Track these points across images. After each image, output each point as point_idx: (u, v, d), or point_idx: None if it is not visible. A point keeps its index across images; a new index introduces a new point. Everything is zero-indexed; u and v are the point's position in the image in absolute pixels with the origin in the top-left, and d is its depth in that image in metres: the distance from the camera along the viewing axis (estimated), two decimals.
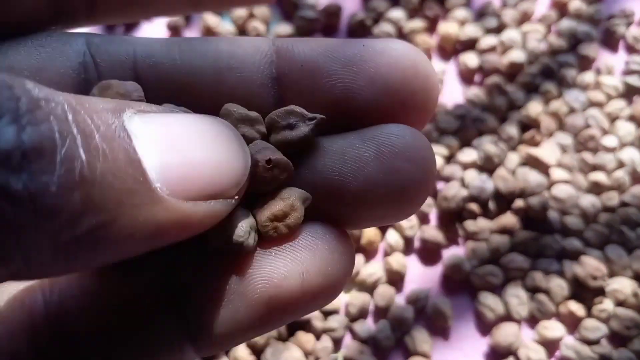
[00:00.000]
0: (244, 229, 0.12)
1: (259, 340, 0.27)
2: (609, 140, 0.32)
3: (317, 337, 0.28)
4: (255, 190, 0.12)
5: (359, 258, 0.30)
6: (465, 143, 0.32)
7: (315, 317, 0.28)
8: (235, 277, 0.12)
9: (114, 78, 0.12)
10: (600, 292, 0.29)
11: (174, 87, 0.13)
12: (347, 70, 0.12)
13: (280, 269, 0.12)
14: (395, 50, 0.12)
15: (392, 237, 0.30)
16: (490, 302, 0.29)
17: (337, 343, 0.28)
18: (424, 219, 0.31)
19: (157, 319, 0.12)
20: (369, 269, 0.29)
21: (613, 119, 0.33)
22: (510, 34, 0.34)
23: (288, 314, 0.12)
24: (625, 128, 0.32)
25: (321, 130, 0.13)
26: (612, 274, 0.29)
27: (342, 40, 0.13)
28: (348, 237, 0.13)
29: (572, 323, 0.29)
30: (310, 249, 0.12)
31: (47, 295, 0.12)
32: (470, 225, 0.30)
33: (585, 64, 0.34)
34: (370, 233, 0.30)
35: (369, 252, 0.30)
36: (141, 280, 0.12)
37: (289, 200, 0.12)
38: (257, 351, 0.28)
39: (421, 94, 0.12)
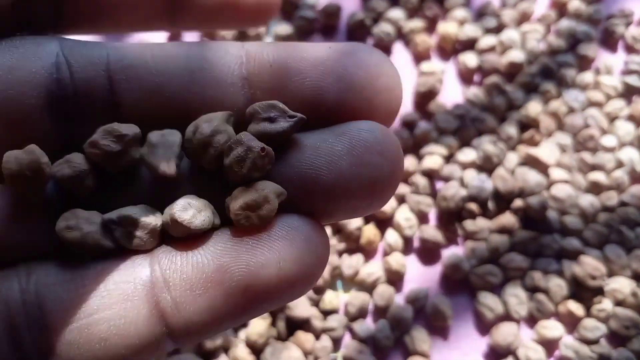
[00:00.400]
0: (183, 207, 0.12)
1: (259, 339, 0.27)
2: (608, 140, 0.32)
3: (317, 336, 0.28)
4: (242, 178, 0.13)
5: (359, 258, 0.30)
6: (465, 143, 0.32)
7: (314, 317, 0.28)
8: (213, 265, 0.12)
9: (87, 79, 0.13)
10: (599, 291, 0.29)
11: (146, 88, 0.13)
12: (315, 69, 0.13)
13: (258, 257, 0.12)
14: (360, 51, 0.13)
15: (392, 236, 0.30)
16: (490, 302, 0.29)
17: (336, 343, 0.28)
18: (423, 219, 0.31)
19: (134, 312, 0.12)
20: (369, 269, 0.29)
21: (612, 118, 0.33)
22: (510, 34, 0.34)
23: (265, 302, 0.12)
24: (625, 128, 0.32)
25: (298, 129, 0.13)
26: (611, 274, 0.30)
27: (309, 44, 0.14)
28: (323, 228, 0.13)
29: (571, 323, 0.29)
30: (286, 239, 0.12)
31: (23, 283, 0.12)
32: (469, 225, 0.30)
33: (585, 64, 0.34)
34: (369, 233, 0.30)
35: (369, 252, 0.30)
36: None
37: (263, 192, 0.12)
38: (257, 351, 0.28)
39: (385, 93, 0.13)
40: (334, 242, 0.30)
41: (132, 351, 0.12)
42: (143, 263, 0.12)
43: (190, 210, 0.12)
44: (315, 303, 0.29)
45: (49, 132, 0.13)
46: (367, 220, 0.30)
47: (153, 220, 0.13)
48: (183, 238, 0.13)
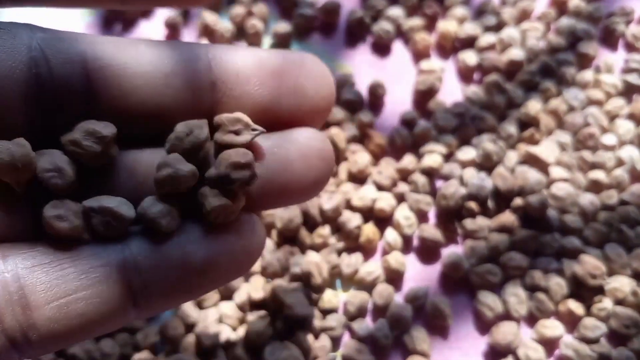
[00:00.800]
0: (160, 211, 0.14)
1: (258, 339, 0.27)
2: (608, 139, 0.32)
3: (316, 336, 0.28)
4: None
5: (358, 257, 0.30)
6: (464, 141, 0.32)
7: (313, 316, 0.28)
8: (180, 253, 0.14)
9: (64, 75, 0.14)
10: (600, 290, 0.29)
11: (123, 89, 0.14)
12: (273, 80, 0.15)
13: (218, 247, 0.14)
14: (309, 63, 0.15)
15: (391, 235, 0.30)
16: (489, 301, 0.29)
17: (335, 342, 0.28)
18: (422, 218, 0.31)
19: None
20: (368, 268, 0.29)
21: (612, 117, 0.33)
22: (510, 32, 0.34)
23: (218, 284, 0.15)
24: (625, 126, 0.32)
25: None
26: (611, 273, 0.29)
27: (267, 51, 0.15)
28: (258, 217, 0.15)
29: (571, 322, 0.29)
30: (243, 232, 0.15)
31: None
32: (469, 223, 0.30)
33: (585, 62, 0.34)
34: (368, 231, 0.30)
35: (368, 251, 0.30)
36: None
37: (232, 192, 0.14)
38: (256, 350, 0.28)
39: (328, 100, 0.15)
40: (332, 240, 0.30)
41: (104, 323, 0.14)
42: (116, 249, 0.14)
43: (168, 216, 0.14)
44: (315, 302, 0.29)
45: (25, 124, 0.14)
46: (366, 219, 0.30)
47: (127, 212, 0.14)
48: (154, 230, 0.14)
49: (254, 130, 0.15)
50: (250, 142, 0.14)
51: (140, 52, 0.14)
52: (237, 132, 0.14)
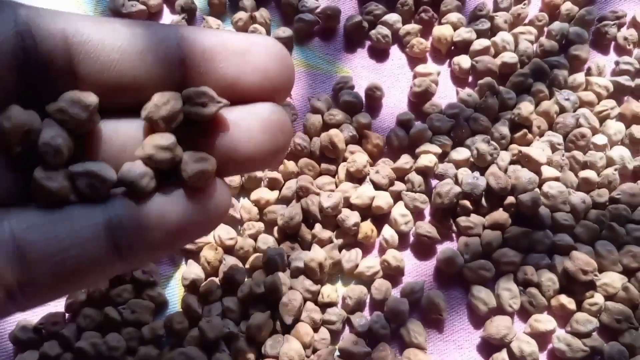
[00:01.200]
0: (140, 174, 0.15)
1: (259, 332, 0.28)
2: (599, 139, 0.33)
3: (316, 330, 0.29)
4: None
5: (358, 252, 0.30)
6: (459, 142, 0.33)
7: (313, 310, 0.29)
8: (157, 211, 0.15)
9: (48, 50, 0.15)
10: (591, 286, 0.29)
11: (102, 63, 0.15)
12: (238, 59, 0.16)
13: (192, 208, 0.16)
14: (271, 45, 0.16)
15: (388, 232, 0.31)
16: (483, 296, 0.29)
17: (335, 335, 0.29)
18: (418, 215, 0.32)
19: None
20: (366, 263, 0.30)
21: (603, 118, 0.34)
22: (503, 36, 0.35)
23: (190, 239, 0.16)
24: (615, 127, 0.33)
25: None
26: (602, 269, 0.30)
27: (232, 33, 0.16)
28: (225, 183, 0.17)
29: (564, 316, 0.29)
30: (200, 190, 0.16)
31: None
32: (463, 221, 0.31)
33: (577, 64, 0.35)
34: (366, 228, 0.30)
35: (366, 247, 0.31)
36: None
37: (210, 159, 0.16)
38: (257, 343, 0.28)
39: (288, 78, 0.16)
40: (327, 236, 0.31)
41: (95, 275, 0.15)
42: (101, 209, 0.15)
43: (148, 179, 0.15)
44: (314, 296, 0.29)
45: (13, 94, 0.15)
46: (364, 217, 0.31)
47: (110, 174, 0.15)
48: (134, 191, 0.15)
49: (218, 102, 0.15)
50: (215, 113, 0.16)
51: (117, 29, 0.15)
52: (203, 105, 0.15)
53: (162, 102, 0.15)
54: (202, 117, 0.16)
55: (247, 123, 0.16)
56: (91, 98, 0.15)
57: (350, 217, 0.30)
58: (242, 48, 0.16)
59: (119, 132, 0.16)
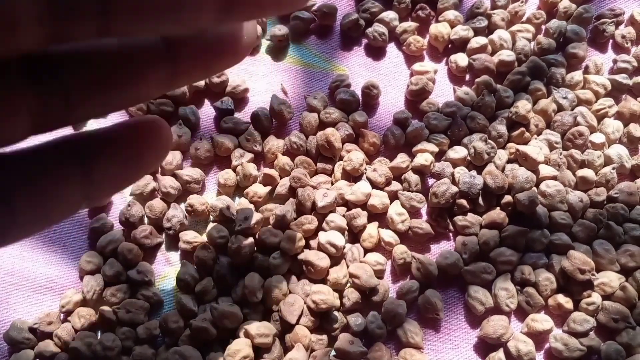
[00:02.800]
0: None
1: (257, 333, 0.28)
2: (597, 137, 0.33)
3: (313, 332, 0.29)
4: None
5: (360, 250, 0.30)
6: (456, 141, 0.33)
7: (312, 311, 0.29)
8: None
9: None
10: (589, 285, 0.29)
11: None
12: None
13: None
14: None
15: (386, 232, 0.31)
16: (480, 295, 0.29)
17: (332, 337, 0.29)
18: (415, 215, 0.32)
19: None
20: (374, 258, 0.30)
21: (601, 116, 0.33)
22: (500, 34, 0.35)
23: (151, 167, 0.16)
24: (613, 125, 0.33)
25: None
26: (599, 268, 0.30)
27: None
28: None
29: (561, 316, 0.29)
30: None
31: None
32: (460, 220, 0.31)
33: (575, 63, 0.35)
34: (370, 230, 0.30)
35: (365, 248, 0.31)
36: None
37: None
38: (255, 344, 0.28)
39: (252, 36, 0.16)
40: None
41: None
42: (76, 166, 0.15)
43: None
44: (314, 299, 0.29)
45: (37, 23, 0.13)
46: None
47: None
48: None
49: None
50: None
51: None
52: None
53: None
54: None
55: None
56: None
57: (361, 217, 0.30)
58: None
59: None
